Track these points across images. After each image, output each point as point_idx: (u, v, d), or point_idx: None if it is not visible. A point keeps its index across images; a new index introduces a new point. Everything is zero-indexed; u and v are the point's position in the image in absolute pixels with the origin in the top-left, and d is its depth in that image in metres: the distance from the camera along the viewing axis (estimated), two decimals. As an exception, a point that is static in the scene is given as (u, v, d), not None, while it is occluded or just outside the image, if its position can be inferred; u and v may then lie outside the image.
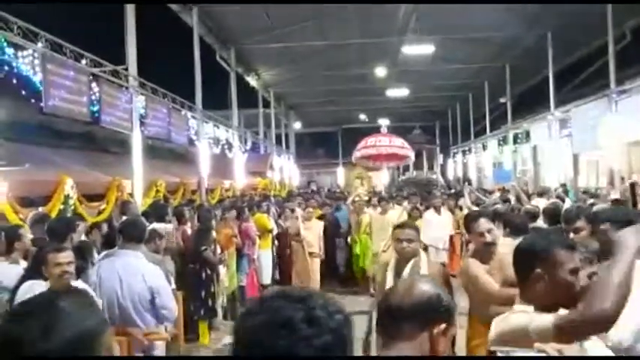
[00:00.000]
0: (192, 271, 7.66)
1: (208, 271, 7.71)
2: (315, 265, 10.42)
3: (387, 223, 8.96)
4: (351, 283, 11.23)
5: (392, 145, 14.24)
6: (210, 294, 7.72)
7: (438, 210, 11.01)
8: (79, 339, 1.18)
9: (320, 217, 11.64)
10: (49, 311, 1.20)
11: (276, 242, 10.87)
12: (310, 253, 10.25)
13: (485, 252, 4.17)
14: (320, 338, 1.04)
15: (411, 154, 15.08)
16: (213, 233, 8.03)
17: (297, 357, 1.02)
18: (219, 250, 7.94)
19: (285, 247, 11.00)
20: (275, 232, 10.81)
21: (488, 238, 4.16)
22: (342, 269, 11.54)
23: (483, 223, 4.23)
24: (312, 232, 10.44)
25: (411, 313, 1.78)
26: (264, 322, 1.06)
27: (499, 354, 2.12)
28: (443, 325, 1.76)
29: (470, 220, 4.47)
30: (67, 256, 3.82)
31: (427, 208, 11.81)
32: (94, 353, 1.20)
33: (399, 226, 4.50)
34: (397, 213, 10.41)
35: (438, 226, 10.80)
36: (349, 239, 11.33)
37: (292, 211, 11.26)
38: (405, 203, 12.04)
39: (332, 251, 11.34)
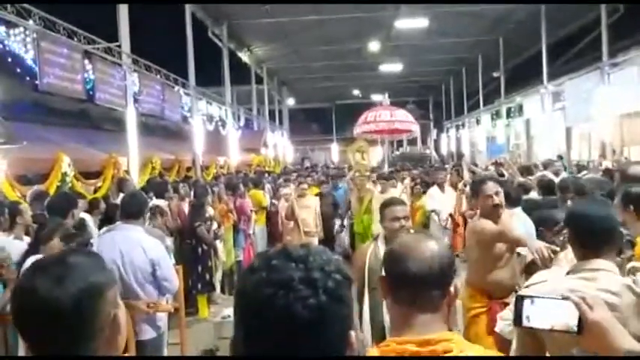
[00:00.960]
0: (189, 247, 7.76)
1: (205, 247, 7.81)
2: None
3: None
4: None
5: (393, 120, 12.91)
6: (207, 268, 7.84)
7: (441, 187, 10.35)
8: (88, 290, 1.29)
9: (317, 196, 10.71)
10: (62, 265, 1.31)
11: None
12: (306, 232, 9.48)
13: (492, 214, 4.28)
14: (316, 298, 1.09)
15: (415, 128, 13.93)
16: (210, 209, 8.10)
17: (293, 315, 1.07)
18: (215, 226, 8.02)
19: (276, 224, 10.79)
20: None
21: (496, 200, 4.27)
22: (343, 250, 10.39)
23: (491, 187, 4.35)
24: (307, 210, 9.70)
25: (439, 279, 1.61)
26: (263, 279, 1.10)
27: (522, 292, 2.20)
28: (454, 285, 1.67)
29: (478, 184, 4.57)
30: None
31: (428, 184, 11.31)
32: (100, 305, 1.31)
33: (391, 204, 4.10)
34: (398, 191, 9.67)
35: (441, 204, 10.16)
36: (348, 219, 10.49)
37: (286, 200, 10.23)
38: (407, 180, 11.29)
39: (331, 232, 10.49)
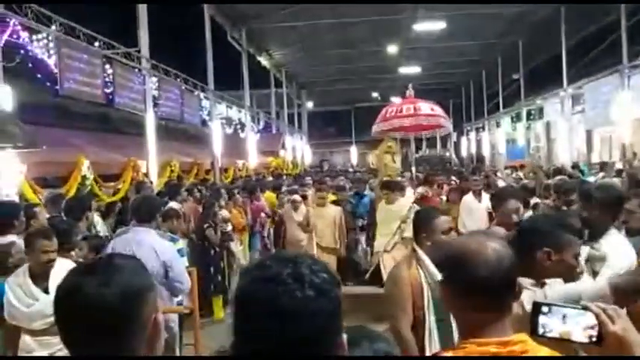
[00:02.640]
0: (200, 248, 7.84)
1: (217, 248, 7.89)
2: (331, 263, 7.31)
3: (395, 214, 7.20)
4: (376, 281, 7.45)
5: (417, 114, 10.08)
6: (219, 270, 7.89)
7: (478, 195, 8.22)
8: (132, 291, 1.33)
9: (334, 204, 9.05)
10: (107, 267, 1.37)
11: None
12: (323, 248, 8.09)
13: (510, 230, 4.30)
14: (302, 291, 1.16)
15: (447, 123, 10.96)
16: (223, 212, 8.17)
17: (281, 307, 1.14)
18: (229, 228, 8.07)
19: (278, 236, 8.88)
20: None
21: (515, 218, 4.28)
22: (362, 265, 8.86)
23: (513, 204, 4.35)
24: (325, 221, 8.22)
25: (509, 281, 1.59)
26: (254, 277, 1.20)
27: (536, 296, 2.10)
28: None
29: (499, 200, 4.58)
30: (53, 244, 3.92)
31: (462, 191, 9.02)
32: (143, 306, 1.35)
33: (434, 216, 3.44)
34: (408, 200, 7.71)
35: (478, 214, 7.74)
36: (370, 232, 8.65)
37: (295, 208, 8.45)
38: (420, 189, 9.11)
39: (349, 246, 8.83)
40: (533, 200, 6.73)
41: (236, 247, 8.55)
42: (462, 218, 7.52)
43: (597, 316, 1.35)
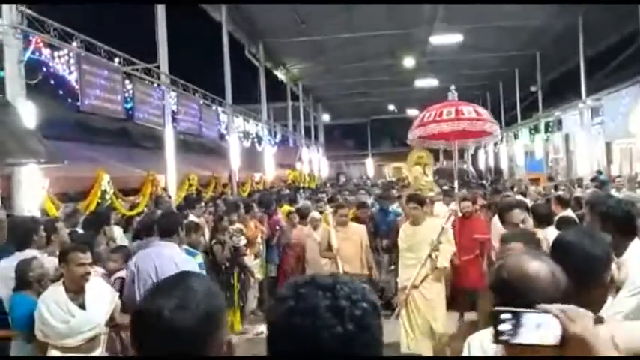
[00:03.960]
0: (211, 264, 7.75)
1: (227, 263, 7.80)
2: None
3: (423, 238, 6.08)
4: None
5: (460, 118, 8.35)
6: (229, 285, 7.74)
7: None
8: (209, 314, 1.35)
9: (355, 221, 8.09)
10: (185, 289, 1.37)
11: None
12: (349, 274, 6.15)
13: None
14: (343, 326, 1.10)
15: (492, 128, 8.80)
16: (235, 225, 8.11)
17: (320, 343, 1.09)
18: (242, 241, 8.01)
19: (288, 263, 8.70)
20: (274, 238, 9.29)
21: (522, 227, 4.28)
22: (387, 292, 8.50)
23: (517, 214, 4.35)
24: (349, 244, 7.21)
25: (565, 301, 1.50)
26: (291, 308, 1.13)
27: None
28: None
29: (504, 211, 4.59)
30: (88, 257, 3.99)
31: (488, 207, 8.92)
32: (219, 328, 1.38)
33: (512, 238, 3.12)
34: (437, 222, 6.50)
35: None
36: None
37: (314, 227, 8.06)
38: (452, 205, 8.19)
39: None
40: (567, 213, 6.51)
41: (249, 260, 8.49)
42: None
43: (558, 318, 1.34)
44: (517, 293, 1.57)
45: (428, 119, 8.62)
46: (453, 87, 9.40)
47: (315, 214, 8.19)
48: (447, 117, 8.36)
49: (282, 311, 1.14)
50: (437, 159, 35.35)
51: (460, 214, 7.70)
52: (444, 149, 14.28)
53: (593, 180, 13.29)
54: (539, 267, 1.60)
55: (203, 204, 9.21)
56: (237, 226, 8.13)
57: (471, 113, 8.46)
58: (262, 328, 6.68)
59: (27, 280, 4.15)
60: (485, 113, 8.85)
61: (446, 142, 9.34)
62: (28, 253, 4.53)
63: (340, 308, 1.11)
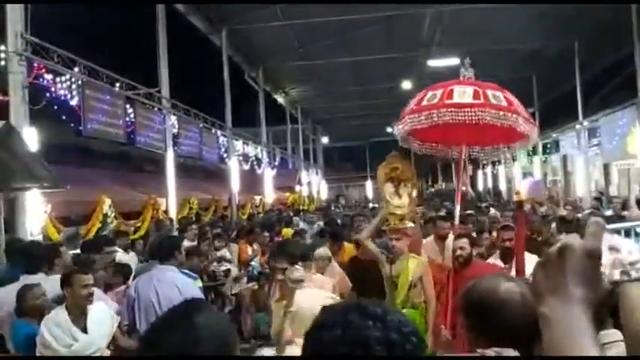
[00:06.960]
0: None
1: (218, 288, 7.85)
2: None
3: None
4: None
5: (484, 104, 4.74)
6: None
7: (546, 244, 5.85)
8: (221, 349, 1.34)
9: (352, 261, 6.08)
10: (194, 325, 1.33)
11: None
12: None
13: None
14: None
15: (527, 127, 4.96)
16: (221, 251, 8.14)
17: None
18: (224, 267, 7.97)
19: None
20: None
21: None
22: None
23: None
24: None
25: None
26: (338, 337, 1.06)
27: None
28: None
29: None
30: (91, 278, 4.04)
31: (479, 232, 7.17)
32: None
33: None
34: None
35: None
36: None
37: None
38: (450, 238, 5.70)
39: None
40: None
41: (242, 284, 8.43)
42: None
43: None
44: (488, 315, 1.56)
45: (429, 102, 5.19)
46: (467, 59, 5.94)
47: (320, 250, 5.76)
48: (459, 99, 4.95)
49: (330, 340, 1.06)
50: (434, 178, 35.50)
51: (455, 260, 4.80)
52: (444, 162, 9.85)
53: (597, 199, 13.37)
54: (509, 289, 1.59)
55: (194, 226, 9.11)
56: (220, 253, 8.11)
57: (500, 100, 4.96)
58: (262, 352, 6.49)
59: (25, 308, 4.15)
60: (519, 105, 5.22)
61: (450, 146, 5.96)
62: (32, 278, 4.54)
63: (391, 341, 1.06)
